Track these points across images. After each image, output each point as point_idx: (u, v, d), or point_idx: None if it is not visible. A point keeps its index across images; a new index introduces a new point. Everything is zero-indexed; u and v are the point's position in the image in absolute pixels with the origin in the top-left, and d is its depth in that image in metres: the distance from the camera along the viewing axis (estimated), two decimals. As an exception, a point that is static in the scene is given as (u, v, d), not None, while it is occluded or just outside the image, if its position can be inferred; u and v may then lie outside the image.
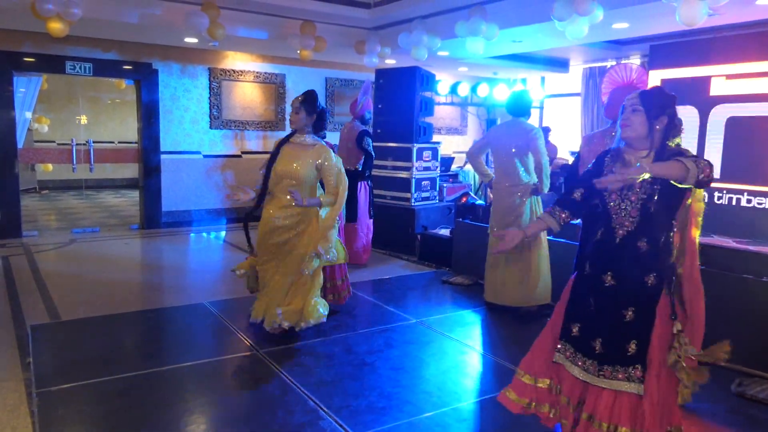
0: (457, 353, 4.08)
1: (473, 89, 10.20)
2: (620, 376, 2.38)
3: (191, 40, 7.52)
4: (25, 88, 9.14)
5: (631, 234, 2.41)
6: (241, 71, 9.10)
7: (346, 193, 3.93)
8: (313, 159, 3.88)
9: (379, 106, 7.50)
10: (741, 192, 7.28)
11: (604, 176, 2.40)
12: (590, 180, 2.52)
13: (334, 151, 4.04)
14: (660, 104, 2.38)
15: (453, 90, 10.01)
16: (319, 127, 4.04)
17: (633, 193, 2.39)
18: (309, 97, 3.94)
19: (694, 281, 2.58)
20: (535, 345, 2.70)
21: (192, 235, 8.42)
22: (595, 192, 2.49)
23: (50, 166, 12.63)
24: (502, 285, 4.96)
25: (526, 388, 2.63)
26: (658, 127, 2.37)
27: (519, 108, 4.98)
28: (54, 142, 12.90)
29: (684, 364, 2.31)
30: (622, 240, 2.42)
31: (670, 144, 2.37)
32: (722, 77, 7.45)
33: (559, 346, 2.57)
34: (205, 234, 8.47)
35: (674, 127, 2.40)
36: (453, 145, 11.47)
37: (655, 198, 2.35)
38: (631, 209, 2.40)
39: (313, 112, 3.94)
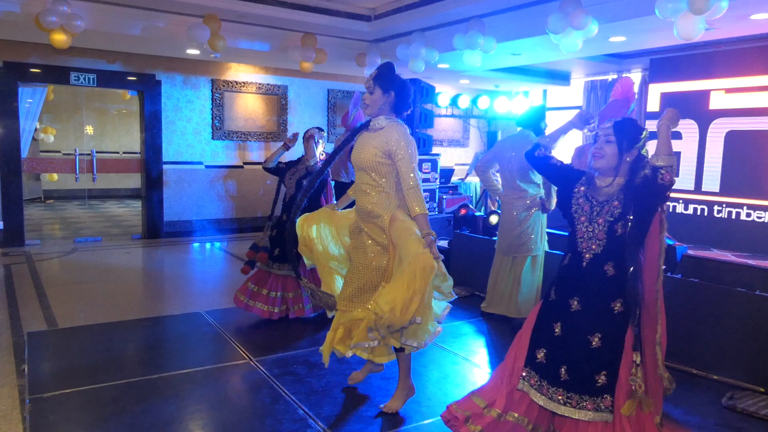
0: (450, 363, 4.08)
1: (474, 101, 10.26)
2: (588, 406, 2.37)
3: (194, 51, 7.62)
4: (31, 99, 9.27)
5: (597, 257, 2.42)
6: (244, 83, 9.20)
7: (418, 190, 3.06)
8: (381, 141, 3.05)
9: (394, 87, 7.56)
10: (740, 206, 7.30)
11: (575, 199, 2.51)
12: (561, 173, 2.64)
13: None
14: (633, 137, 2.43)
15: (453, 102, 10.07)
16: (400, 108, 3.15)
17: (601, 216, 2.42)
18: (384, 70, 3.10)
19: (653, 299, 2.41)
20: (494, 373, 2.69)
21: (193, 245, 8.47)
22: (565, 210, 2.56)
23: (55, 176, 12.78)
24: (505, 296, 4.98)
25: (474, 408, 2.60)
26: (628, 159, 2.43)
27: (527, 121, 4.91)
28: (60, 152, 13.05)
29: (640, 394, 2.27)
30: (588, 264, 2.44)
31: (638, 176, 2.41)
32: (722, 91, 7.49)
33: (523, 373, 2.53)
34: (208, 245, 8.52)
35: (643, 161, 2.44)
36: (455, 157, 11.51)
37: (625, 220, 2.38)
38: (599, 232, 2.42)
39: (391, 87, 3.07)
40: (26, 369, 3.75)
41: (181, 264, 7.43)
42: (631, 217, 2.37)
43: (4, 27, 6.43)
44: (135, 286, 6.29)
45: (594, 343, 2.38)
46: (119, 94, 11.98)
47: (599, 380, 2.36)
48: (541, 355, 2.50)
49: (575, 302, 2.44)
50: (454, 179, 10.21)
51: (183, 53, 7.95)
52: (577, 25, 5.11)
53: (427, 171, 7.50)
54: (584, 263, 2.44)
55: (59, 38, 5.73)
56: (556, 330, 2.48)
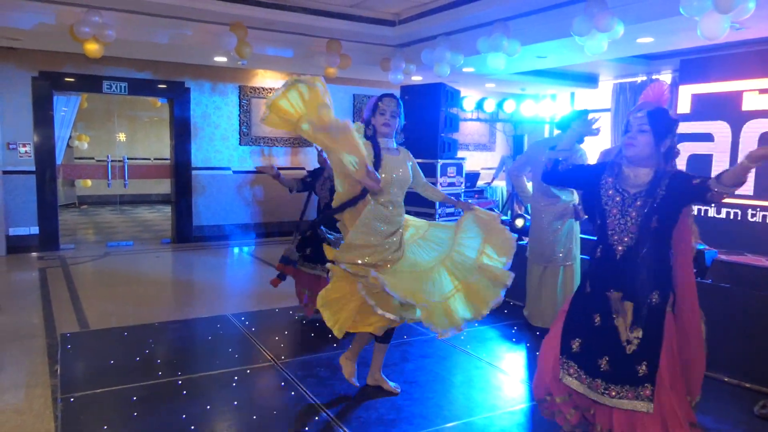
0: (472, 368, 4.06)
1: (499, 105, 10.19)
2: (630, 395, 2.36)
3: (221, 59, 7.75)
4: (66, 107, 9.55)
5: (631, 249, 2.41)
6: (271, 89, 9.31)
7: None
8: (409, 160, 3.55)
9: (404, 122, 7.56)
10: (775, 209, 7.09)
11: (603, 191, 2.49)
12: (582, 174, 2.64)
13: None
14: (667, 126, 2.42)
15: (479, 106, 10.03)
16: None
17: (633, 209, 2.41)
18: (400, 102, 3.57)
19: (688, 298, 2.47)
20: (538, 368, 2.70)
21: (221, 249, 8.59)
22: (594, 204, 2.55)
23: (89, 182, 13.11)
24: (542, 306, 4.86)
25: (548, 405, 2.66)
26: (662, 149, 2.41)
27: (568, 125, 4.64)
28: (93, 158, 13.39)
29: None
30: (622, 256, 2.43)
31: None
32: (755, 92, 7.30)
33: (561, 362, 2.55)
34: (236, 249, 8.64)
35: (674, 151, 2.44)
36: (481, 161, 11.46)
37: (659, 214, 2.36)
38: (631, 225, 2.41)
39: (402, 117, 3.59)
40: (59, 369, 3.86)
41: (208, 268, 7.54)
42: (659, 209, 2.36)
43: (39, 38, 6.64)
44: (164, 290, 6.41)
45: (635, 333, 2.38)
46: (150, 101, 12.26)
47: (640, 371, 2.36)
48: (576, 345, 2.50)
49: (613, 293, 2.44)
50: (480, 183, 10.15)
51: (211, 61, 8.09)
52: (602, 27, 5.05)
53: (452, 175, 7.46)
54: (618, 255, 2.44)
55: (92, 48, 5.89)
56: (596, 320, 2.47)
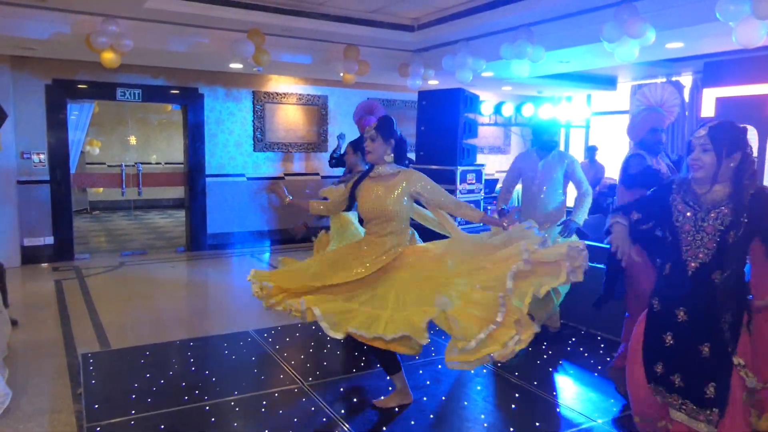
0: (507, 389, 3.93)
1: (518, 109, 10.05)
2: (701, 417, 2.33)
3: (236, 65, 7.64)
4: (78, 112, 9.48)
5: (704, 266, 2.31)
6: (284, 94, 9.20)
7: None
8: (403, 187, 3.27)
9: (422, 128, 7.43)
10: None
11: (674, 207, 2.40)
12: (651, 207, 2.51)
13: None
14: (732, 141, 2.27)
15: (497, 110, 9.89)
16: (399, 157, 3.38)
17: (708, 223, 2.29)
18: (385, 122, 3.34)
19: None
20: (633, 394, 2.61)
21: (236, 258, 8.49)
22: (666, 223, 2.44)
23: (101, 188, 13.06)
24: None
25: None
26: (732, 164, 2.27)
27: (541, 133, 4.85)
28: (105, 163, 13.33)
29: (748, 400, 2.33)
30: (694, 273, 2.33)
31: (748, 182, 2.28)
32: (782, 95, 7.13)
33: (652, 390, 2.50)
34: (252, 257, 8.53)
35: (747, 164, 2.29)
36: (496, 164, 11.31)
37: (737, 227, 2.25)
38: (708, 240, 2.29)
39: (391, 137, 3.31)
40: (82, 393, 3.76)
41: (225, 278, 7.45)
42: (746, 221, 2.25)
43: (53, 47, 6.54)
44: (183, 303, 6.31)
45: (704, 352, 2.32)
46: (162, 105, 12.18)
47: (707, 392, 2.31)
48: (659, 368, 2.46)
49: (681, 313, 2.37)
50: (497, 187, 10.01)
51: (225, 67, 7.98)
52: (633, 33, 4.90)
53: (471, 182, 7.32)
54: (690, 272, 2.33)
55: (108, 57, 5.80)
56: (668, 340, 2.42)
